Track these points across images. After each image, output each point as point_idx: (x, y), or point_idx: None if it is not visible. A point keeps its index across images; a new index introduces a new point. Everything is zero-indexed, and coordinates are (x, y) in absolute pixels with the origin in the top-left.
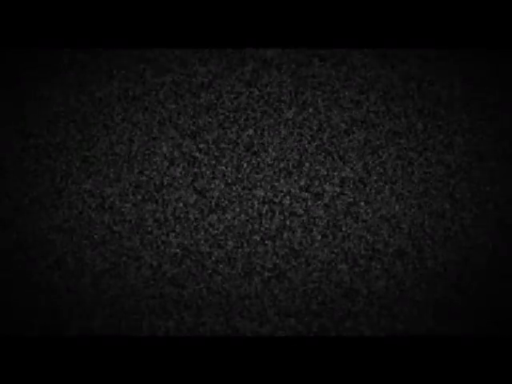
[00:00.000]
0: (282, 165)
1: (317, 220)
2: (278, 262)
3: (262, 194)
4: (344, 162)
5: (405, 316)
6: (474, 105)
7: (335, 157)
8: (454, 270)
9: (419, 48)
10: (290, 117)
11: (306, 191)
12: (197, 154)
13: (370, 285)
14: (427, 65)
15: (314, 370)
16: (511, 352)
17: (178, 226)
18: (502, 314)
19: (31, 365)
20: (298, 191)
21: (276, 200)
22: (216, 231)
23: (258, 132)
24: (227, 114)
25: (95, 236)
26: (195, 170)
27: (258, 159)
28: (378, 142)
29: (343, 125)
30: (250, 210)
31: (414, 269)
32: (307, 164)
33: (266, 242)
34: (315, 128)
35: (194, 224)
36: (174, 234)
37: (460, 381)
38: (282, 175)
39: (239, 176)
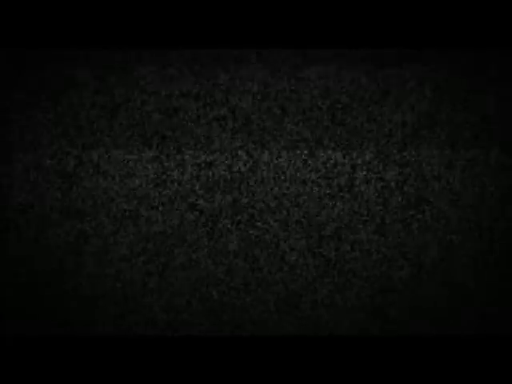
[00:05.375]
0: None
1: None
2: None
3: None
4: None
5: (403, 316)
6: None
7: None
8: (451, 268)
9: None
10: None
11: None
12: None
13: (367, 284)
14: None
15: (313, 369)
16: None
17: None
18: (502, 312)
19: (32, 365)
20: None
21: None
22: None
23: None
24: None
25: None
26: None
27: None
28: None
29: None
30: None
31: (412, 267)
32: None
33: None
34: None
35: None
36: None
37: (459, 381)
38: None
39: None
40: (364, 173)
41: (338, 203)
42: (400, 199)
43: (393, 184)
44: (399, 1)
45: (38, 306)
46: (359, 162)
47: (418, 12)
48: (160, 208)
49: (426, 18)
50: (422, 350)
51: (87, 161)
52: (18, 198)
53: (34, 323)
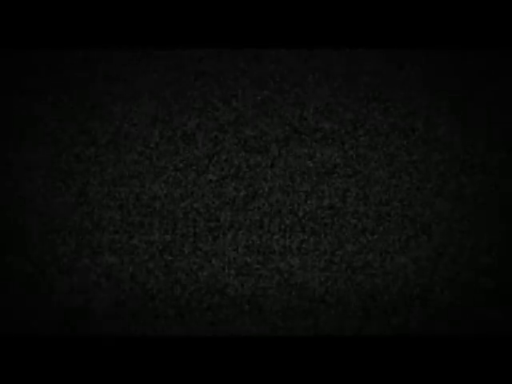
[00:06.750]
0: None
1: (313, 223)
2: (275, 261)
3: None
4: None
5: (402, 315)
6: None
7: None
8: (452, 270)
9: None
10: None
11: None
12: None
13: (367, 285)
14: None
15: (313, 369)
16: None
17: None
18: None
19: (33, 365)
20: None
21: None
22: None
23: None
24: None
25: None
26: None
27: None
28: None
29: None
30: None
31: (412, 268)
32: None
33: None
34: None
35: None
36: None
37: (459, 381)
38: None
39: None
40: (364, 172)
41: (340, 203)
42: (402, 199)
43: (396, 182)
44: (400, 1)
45: (34, 305)
46: (364, 159)
47: (416, 12)
48: (165, 207)
49: (425, 18)
50: (421, 350)
51: (87, 158)
52: (17, 196)
53: (30, 323)
